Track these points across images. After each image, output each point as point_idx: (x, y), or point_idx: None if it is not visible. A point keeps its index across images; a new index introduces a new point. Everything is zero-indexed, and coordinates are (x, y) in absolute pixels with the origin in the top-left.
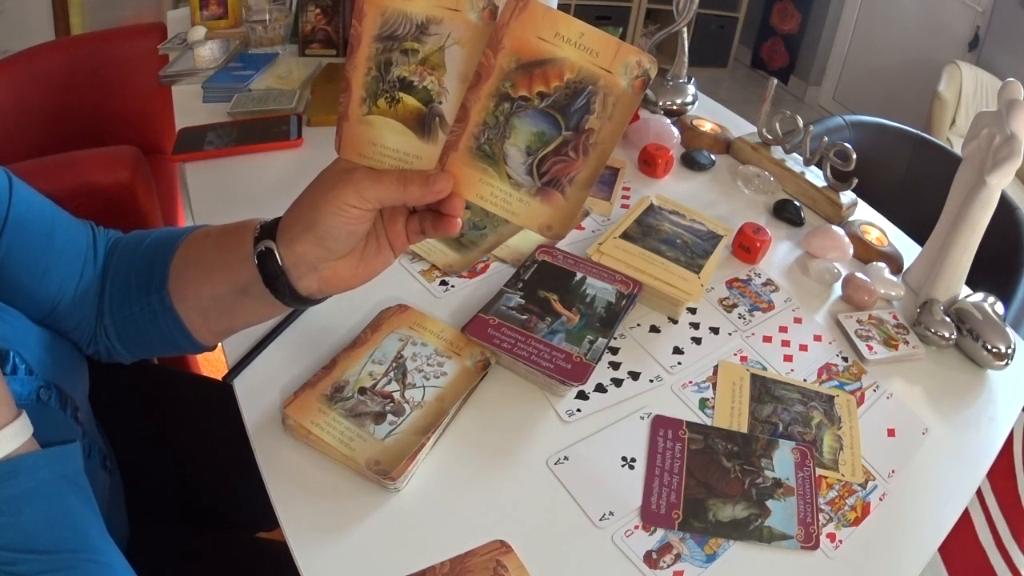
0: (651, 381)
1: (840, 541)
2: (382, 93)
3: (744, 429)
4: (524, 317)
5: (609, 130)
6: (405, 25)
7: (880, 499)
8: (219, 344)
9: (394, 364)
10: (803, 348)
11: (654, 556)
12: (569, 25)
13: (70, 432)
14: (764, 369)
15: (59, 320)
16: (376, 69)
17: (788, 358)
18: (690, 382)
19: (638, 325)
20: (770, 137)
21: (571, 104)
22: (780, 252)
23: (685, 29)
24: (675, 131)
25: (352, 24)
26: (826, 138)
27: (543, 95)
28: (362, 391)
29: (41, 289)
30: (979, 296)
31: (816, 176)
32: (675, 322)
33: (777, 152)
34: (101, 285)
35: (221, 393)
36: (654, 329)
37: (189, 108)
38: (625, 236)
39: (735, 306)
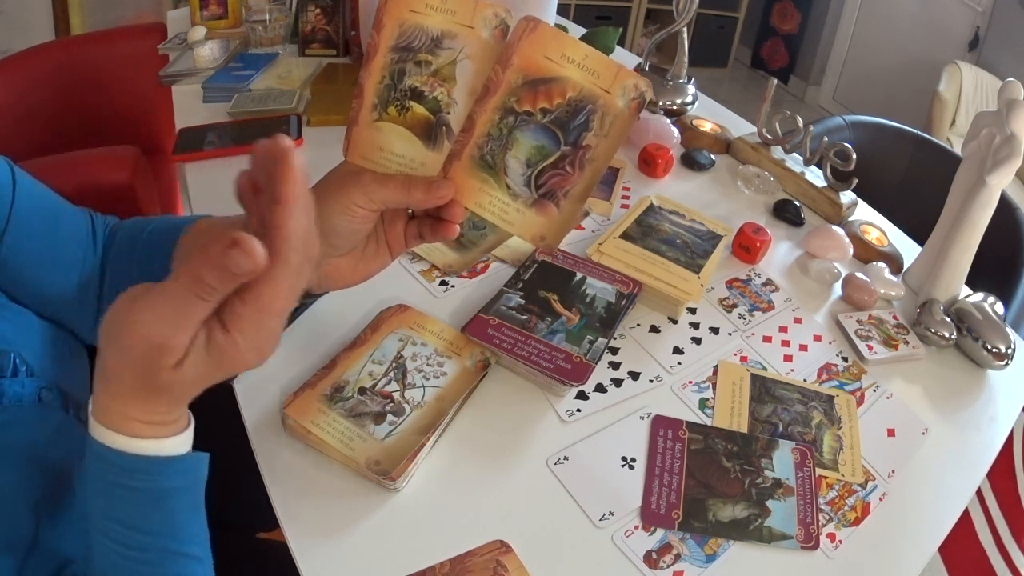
0: (651, 381)
1: (840, 541)
2: (393, 101)
3: (744, 429)
4: (524, 317)
5: (605, 147)
6: (421, 38)
7: (880, 499)
8: None
9: (394, 364)
10: (803, 348)
11: (654, 556)
12: (575, 47)
13: (72, 433)
14: (764, 369)
15: (65, 310)
16: (390, 78)
17: (788, 358)
18: (690, 382)
19: (638, 325)
20: (770, 137)
21: (571, 121)
22: (780, 252)
23: (685, 29)
24: (675, 131)
25: (371, 34)
26: (826, 138)
27: (545, 111)
28: (362, 391)
29: (48, 279)
30: (979, 296)
31: (816, 176)
32: (675, 322)
33: (777, 152)
34: (102, 271)
35: (221, 393)
36: (654, 329)
37: (189, 108)
38: (625, 236)
39: (735, 306)
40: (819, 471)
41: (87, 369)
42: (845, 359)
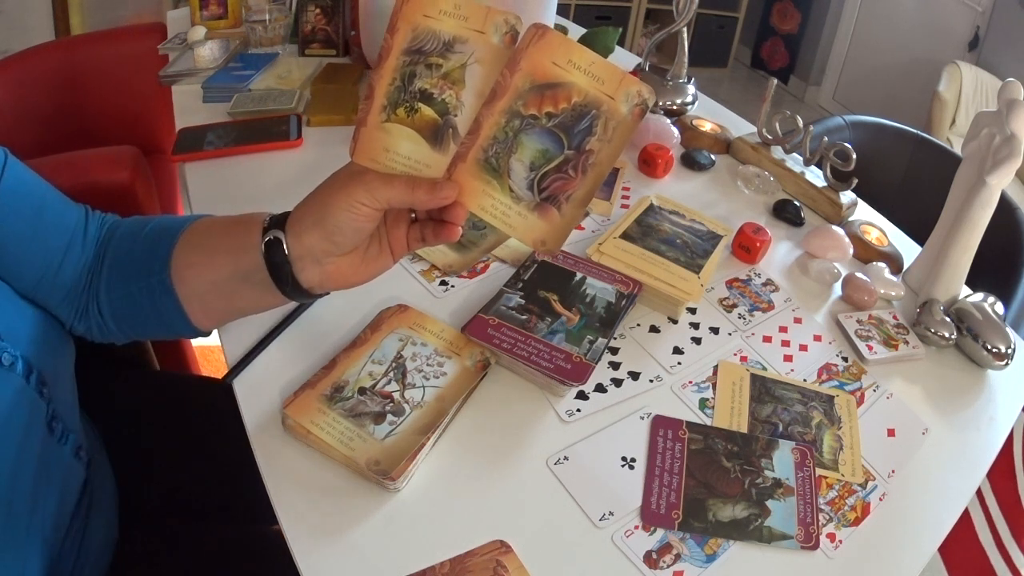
0: (651, 381)
1: (840, 541)
2: (402, 103)
3: (744, 429)
4: (524, 317)
5: (607, 152)
6: (433, 42)
7: (880, 499)
8: (214, 331)
9: (394, 364)
10: (803, 348)
11: (654, 556)
12: (581, 54)
13: (24, 401)
14: (764, 369)
15: (45, 294)
16: (400, 80)
17: (788, 358)
18: (690, 382)
19: (638, 325)
20: (770, 137)
21: (575, 125)
22: (780, 252)
23: (685, 29)
24: (675, 131)
25: (384, 37)
26: (826, 138)
27: (551, 115)
28: (362, 391)
29: (27, 259)
30: (979, 296)
31: (816, 176)
32: (675, 322)
33: (777, 152)
34: (96, 264)
35: (221, 393)
36: (654, 329)
37: (189, 108)
38: (625, 236)
39: (735, 306)
40: (819, 471)
41: (69, 352)
42: (845, 359)
